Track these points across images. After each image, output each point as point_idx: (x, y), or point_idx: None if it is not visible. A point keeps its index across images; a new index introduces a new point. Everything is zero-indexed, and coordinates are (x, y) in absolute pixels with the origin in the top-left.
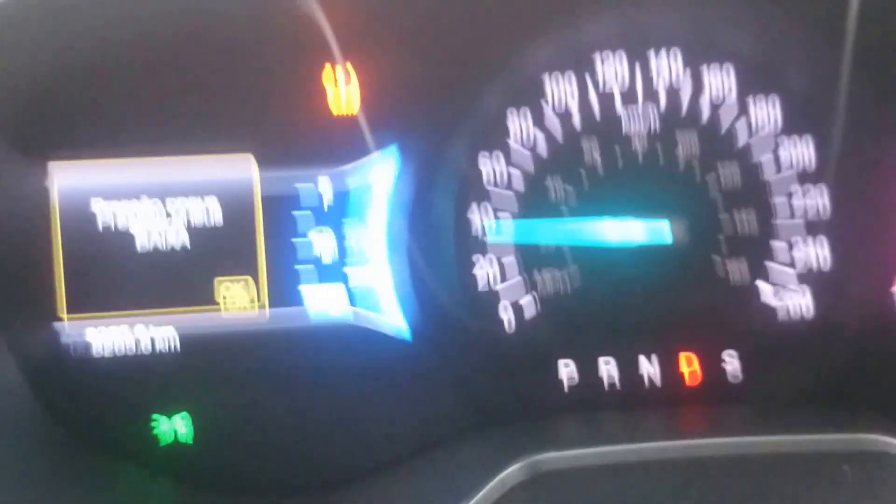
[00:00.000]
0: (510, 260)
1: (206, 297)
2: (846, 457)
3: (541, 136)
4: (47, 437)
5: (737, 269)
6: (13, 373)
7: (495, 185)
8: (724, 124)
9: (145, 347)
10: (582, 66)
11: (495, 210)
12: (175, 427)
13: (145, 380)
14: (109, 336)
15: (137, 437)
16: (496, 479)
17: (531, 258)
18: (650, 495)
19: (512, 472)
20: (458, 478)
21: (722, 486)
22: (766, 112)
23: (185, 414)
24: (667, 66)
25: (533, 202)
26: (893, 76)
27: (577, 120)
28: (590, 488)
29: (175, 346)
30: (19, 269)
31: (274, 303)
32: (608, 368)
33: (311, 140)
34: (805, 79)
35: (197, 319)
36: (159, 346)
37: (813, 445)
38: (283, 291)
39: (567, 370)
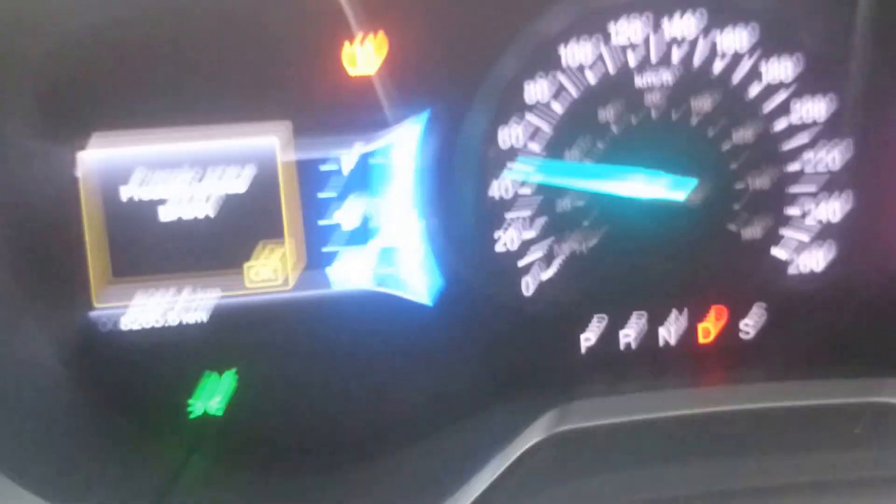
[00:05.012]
0: (531, 232)
1: (237, 272)
2: (859, 412)
3: (558, 104)
4: (83, 416)
5: (756, 230)
6: (48, 356)
7: (515, 153)
8: (744, 86)
9: (177, 327)
10: (600, 33)
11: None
12: (208, 406)
13: (178, 358)
14: (142, 316)
15: (169, 413)
16: (518, 444)
17: (552, 229)
18: (669, 453)
19: (534, 436)
20: (482, 443)
21: (738, 442)
22: (785, 72)
23: (223, 396)
24: (684, 31)
25: (552, 168)
26: None
27: (595, 87)
28: (610, 448)
29: (205, 323)
30: (52, 254)
31: (303, 277)
32: (627, 334)
33: (338, 113)
34: (822, 38)
35: (230, 296)
36: (191, 326)
37: (826, 401)
38: (313, 264)
39: (587, 336)
